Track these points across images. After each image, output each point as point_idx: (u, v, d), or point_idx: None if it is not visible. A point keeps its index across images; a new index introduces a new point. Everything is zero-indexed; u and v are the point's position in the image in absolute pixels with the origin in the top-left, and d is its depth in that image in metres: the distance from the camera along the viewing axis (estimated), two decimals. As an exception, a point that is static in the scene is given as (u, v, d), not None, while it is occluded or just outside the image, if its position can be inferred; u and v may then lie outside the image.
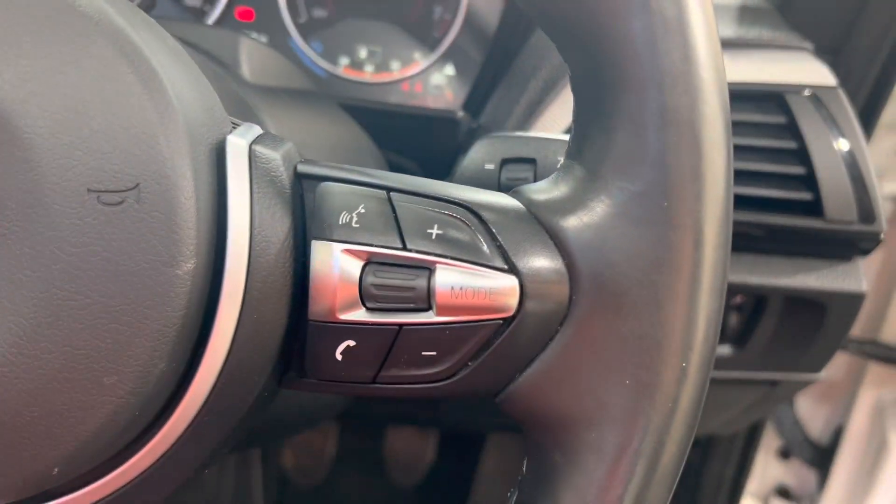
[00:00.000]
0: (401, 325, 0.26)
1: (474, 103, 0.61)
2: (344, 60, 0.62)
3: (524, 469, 0.28)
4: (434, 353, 0.26)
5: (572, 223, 0.26)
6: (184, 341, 0.25)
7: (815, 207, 0.53)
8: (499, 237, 0.26)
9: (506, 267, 0.26)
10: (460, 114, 0.56)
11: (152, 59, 0.25)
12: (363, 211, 0.26)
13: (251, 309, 0.26)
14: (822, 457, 1.09)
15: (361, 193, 0.27)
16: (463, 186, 0.28)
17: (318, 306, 0.26)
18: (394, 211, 0.26)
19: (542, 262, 0.26)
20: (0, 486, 0.26)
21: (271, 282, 0.26)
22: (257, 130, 0.29)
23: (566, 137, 0.39)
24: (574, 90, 0.28)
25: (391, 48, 0.62)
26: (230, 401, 0.27)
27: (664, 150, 0.25)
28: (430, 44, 0.62)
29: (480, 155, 0.38)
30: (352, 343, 0.26)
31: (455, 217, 0.26)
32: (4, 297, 0.24)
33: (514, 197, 0.28)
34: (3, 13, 0.24)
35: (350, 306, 0.26)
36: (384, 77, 0.62)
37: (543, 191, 0.27)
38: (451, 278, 0.25)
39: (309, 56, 0.62)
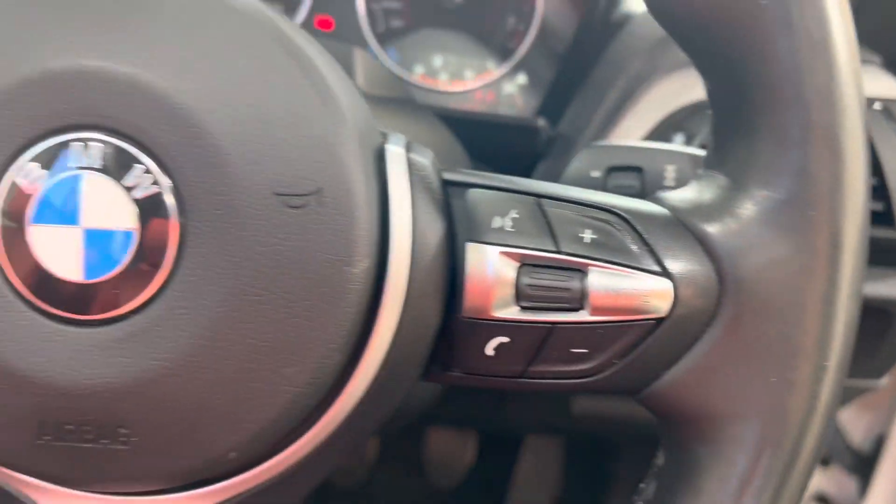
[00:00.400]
0: (554, 324, 0.27)
1: (547, 112, 0.62)
2: (419, 69, 0.64)
3: (660, 461, 0.30)
4: (585, 350, 0.28)
5: (719, 229, 0.27)
6: (354, 335, 0.27)
7: (886, 218, 0.55)
8: (649, 241, 0.28)
9: (658, 270, 0.27)
10: (541, 122, 0.58)
11: (326, 74, 0.27)
12: (516, 216, 0.28)
13: (411, 306, 0.28)
14: (862, 464, 1.10)
15: (511, 199, 0.29)
16: (605, 193, 0.29)
17: (472, 304, 0.28)
18: (545, 216, 0.28)
19: (692, 265, 0.27)
20: (182, 467, 0.28)
21: (429, 281, 0.28)
22: (404, 139, 0.31)
23: (672, 147, 0.40)
24: (713, 104, 0.30)
25: (465, 57, 0.63)
26: (386, 392, 0.29)
27: (808, 163, 0.27)
28: (503, 53, 0.64)
29: (586, 163, 0.40)
30: (505, 339, 0.28)
31: (604, 222, 0.28)
32: (196, 291, 0.26)
33: (655, 203, 0.29)
34: (199, 32, 0.26)
35: (504, 305, 0.28)
36: (458, 86, 0.64)
37: (687, 198, 0.29)
38: (605, 280, 0.27)
39: (385, 64, 0.64)
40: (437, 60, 0.64)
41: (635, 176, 0.39)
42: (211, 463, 0.28)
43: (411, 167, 0.29)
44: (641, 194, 0.35)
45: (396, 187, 0.28)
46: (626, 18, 0.60)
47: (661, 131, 0.56)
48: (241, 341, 0.26)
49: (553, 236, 0.28)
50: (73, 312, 0.26)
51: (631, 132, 0.56)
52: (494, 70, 0.64)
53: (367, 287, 0.27)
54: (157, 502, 0.30)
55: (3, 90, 0.26)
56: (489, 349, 0.28)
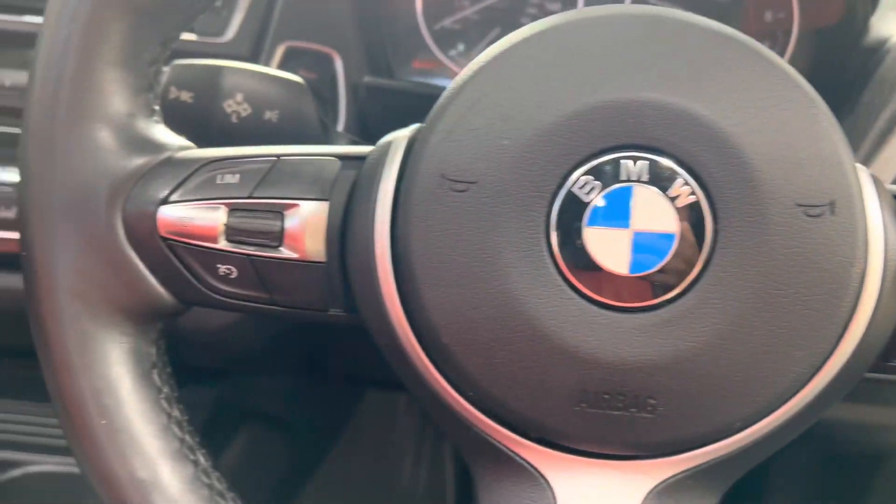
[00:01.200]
0: None
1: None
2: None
3: None
4: None
5: None
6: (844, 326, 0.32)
7: None
8: None
9: None
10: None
11: (820, 101, 0.32)
12: None
13: (881, 303, 0.32)
14: None
15: None
16: None
17: None
18: None
19: None
20: (692, 434, 0.33)
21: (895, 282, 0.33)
22: None
23: None
24: None
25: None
26: (845, 380, 0.33)
27: None
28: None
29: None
30: None
31: None
32: (724, 285, 0.31)
33: None
34: (733, 70, 0.31)
35: None
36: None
37: None
38: None
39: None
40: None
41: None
42: (718, 431, 0.33)
43: (875, 182, 0.33)
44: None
45: (869, 200, 0.33)
46: (882, 43, 0.64)
47: (928, 153, 0.60)
48: (762, 328, 0.31)
49: None
50: (617, 301, 0.31)
51: (899, 153, 0.59)
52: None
53: (859, 285, 0.32)
54: (642, 465, 0.34)
55: (567, 116, 0.31)
56: None
